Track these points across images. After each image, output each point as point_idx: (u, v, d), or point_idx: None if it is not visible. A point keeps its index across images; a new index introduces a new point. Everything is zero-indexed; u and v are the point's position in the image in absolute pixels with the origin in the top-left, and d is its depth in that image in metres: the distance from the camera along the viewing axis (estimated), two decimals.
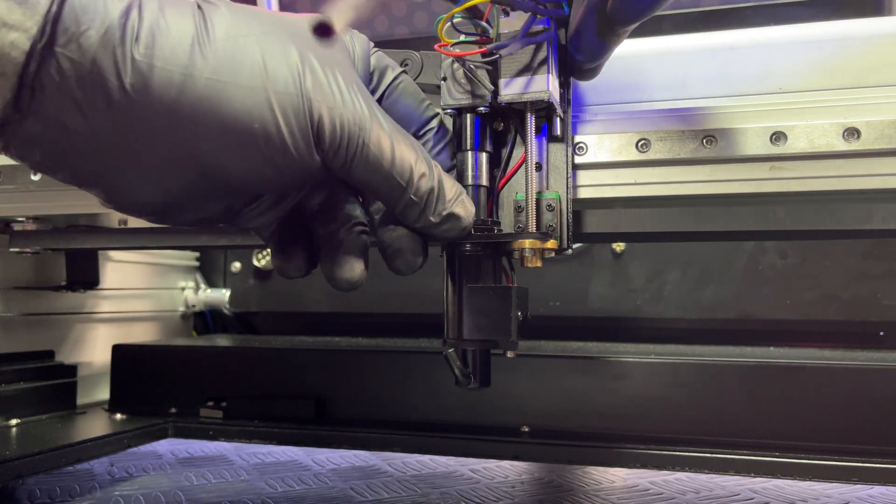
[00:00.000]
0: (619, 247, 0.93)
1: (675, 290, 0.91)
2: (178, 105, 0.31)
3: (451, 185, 0.38)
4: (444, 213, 0.37)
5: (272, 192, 0.37)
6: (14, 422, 0.73)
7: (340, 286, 0.39)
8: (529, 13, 0.37)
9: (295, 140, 0.33)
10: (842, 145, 0.39)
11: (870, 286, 0.84)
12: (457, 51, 0.38)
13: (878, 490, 0.73)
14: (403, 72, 0.40)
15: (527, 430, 0.68)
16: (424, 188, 0.36)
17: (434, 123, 0.40)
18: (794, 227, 0.47)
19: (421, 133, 0.40)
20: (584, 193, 0.44)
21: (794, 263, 0.87)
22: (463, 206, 0.38)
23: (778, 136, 0.40)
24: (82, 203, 0.58)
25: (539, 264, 0.39)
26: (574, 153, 0.43)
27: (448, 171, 0.40)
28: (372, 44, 0.40)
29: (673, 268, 0.91)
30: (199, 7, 0.32)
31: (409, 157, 0.35)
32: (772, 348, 0.80)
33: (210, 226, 0.39)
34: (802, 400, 0.63)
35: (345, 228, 0.39)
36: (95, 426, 0.74)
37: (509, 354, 0.39)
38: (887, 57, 0.40)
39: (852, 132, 0.39)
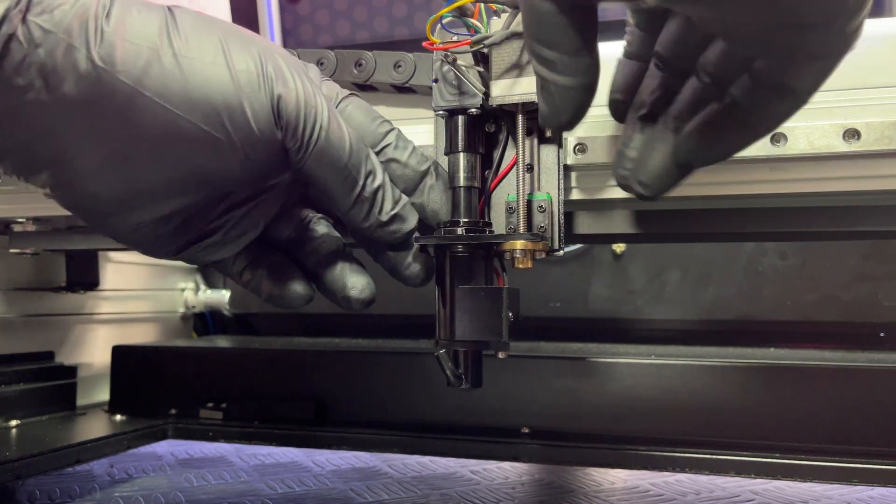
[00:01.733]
0: (619, 248, 0.93)
1: (676, 291, 0.90)
2: (144, 78, 0.32)
3: (395, 191, 0.39)
4: (392, 212, 0.38)
5: (232, 185, 0.36)
6: (14, 423, 0.73)
7: (354, 306, 0.41)
8: (513, 9, 0.37)
9: (255, 114, 0.33)
10: (842, 146, 0.39)
11: (870, 287, 0.84)
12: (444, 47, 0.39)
13: (878, 491, 0.73)
14: (353, 94, 0.41)
15: (527, 431, 0.68)
16: (374, 185, 0.37)
17: (391, 138, 0.40)
18: (794, 228, 0.47)
19: (378, 149, 0.40)
20: (576, 195, 0.44)
21: (794, 265, 0.87)
22: (408, 210, 0.39)
23: (778, 138, 0.40)
24: None
25: (529, 265, 0.39)
26: (561, 154, 0.42)
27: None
28: (321, 74, 0.40)
29: (673, 269, 0.91)
30: (168, 8, 0.34)
31: (362, 153, 0.37)
32: (772, 349, 0.80)
33: (162, 247, 0.38)
34: (803, 401, 0.63)
35: (326, 244, 0.41)
36: (95, 427, 0.74)
37: (500, 355, 0.39)
38: (887, 58, 0.40)
39: (852, 133, 0.39)
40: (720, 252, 0.89)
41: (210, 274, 1.10)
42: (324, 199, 0.39)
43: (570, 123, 0.32)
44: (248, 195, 0.39)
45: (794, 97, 0.30)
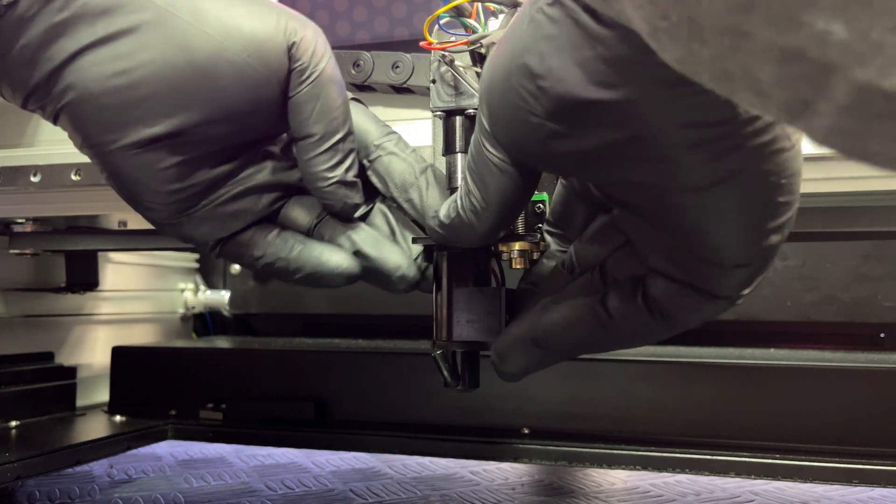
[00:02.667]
0: None
1: None
2: None
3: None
4: (355, 178, 0.40)
5: (246, 107, 0.37)
6: (13, 423, 0.73)
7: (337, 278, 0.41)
8: (511, 8, 0.37)
9: (274, 43, 0.36)
10: None
11: (870, 288, 0.84)
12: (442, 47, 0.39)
13: (878, 492, 0.73)
14: (356, 98, 0.42)
15: (527, 431, 0.68)
16: (350, 145, 0.39)
17: (394, 137, 0.41)
18: (794, 228, 0.46)
19: (381, 143, 0.41)
20: None
21: (794, 265, 0.87)
22: (360, 188, 0.40)
23: None
24: (82, 205, 0.58)
25: (528, 266, 0.39)
26: None
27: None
28: None
29: None
30: None
31: (349, 119, 0.39)
32: (772, 350, 0.80)
33: (164, 190, 0.38)
34: (803, 401, 0.63)
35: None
36: (95, 428, 0.74)
37: None
38: None
39: None
40: None
41: (210, 274, 1.10)
42: (297, 142, 0.39)
43: (459, 246, 0.36)
44: (245, 152, 0.40)
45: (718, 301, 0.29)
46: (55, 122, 0.38)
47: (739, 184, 0.24)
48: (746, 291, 0.29)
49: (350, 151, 0.39)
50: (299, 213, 0.42)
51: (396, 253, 0.41)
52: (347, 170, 0.39)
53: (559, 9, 0.23)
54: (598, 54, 0.22)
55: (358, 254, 0.41)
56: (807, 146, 0.40)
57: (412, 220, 0.41)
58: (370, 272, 0.41)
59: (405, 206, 0.40)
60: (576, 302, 0.33)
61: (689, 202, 0.25)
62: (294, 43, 0.37)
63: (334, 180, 0.39)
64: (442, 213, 0.34)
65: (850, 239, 0.59)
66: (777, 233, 0.27)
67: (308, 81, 0.37)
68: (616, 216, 0.32)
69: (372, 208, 0.43)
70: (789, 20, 0.15)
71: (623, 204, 0.30)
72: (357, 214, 0.41)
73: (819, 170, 0.41)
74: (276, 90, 0.37)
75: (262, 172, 0.41)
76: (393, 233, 0.42)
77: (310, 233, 0.42)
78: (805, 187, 0.42)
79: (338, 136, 0.38)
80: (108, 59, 0.35)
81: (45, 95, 0.36)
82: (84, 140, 0.37)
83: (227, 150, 0.39)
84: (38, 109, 0.38)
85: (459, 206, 0.32)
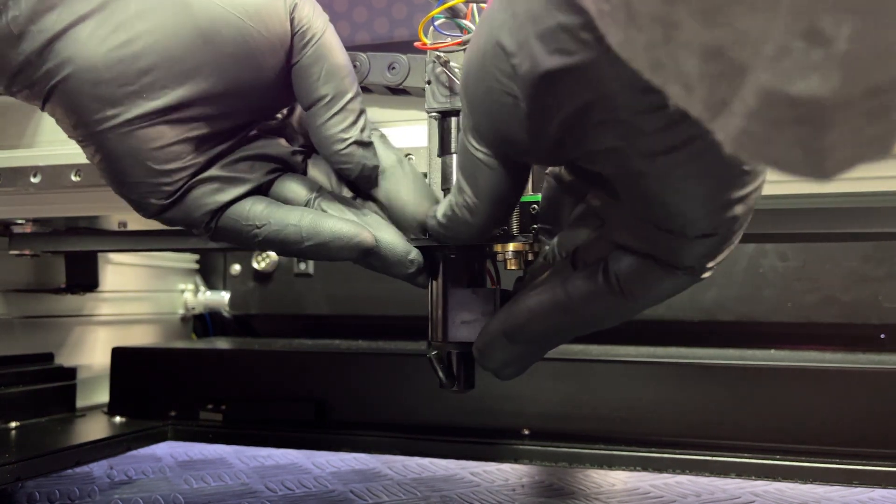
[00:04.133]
0: None
1: None
2: None
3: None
4: (367, 137, 0.39)
5: (249, 75, 0.37)
6: (13, 424, 0.73)
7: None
8: None
9: (275, 7, 0.36)
10: None
11: (870, 289, 0.84)
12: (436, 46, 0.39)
13: (878, 493, 0.72)
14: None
15: (527, 432, 0.68)
16: (360, 106, 0.38)
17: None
18: (794, 229, 0.46)
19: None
20: None
21: (794, 266, 0.87)
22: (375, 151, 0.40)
23: None
24: (82, 205, 0.58)
25: (522, 267, 0.39)
26: None
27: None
28: None
29: None
30: None
31: (356, 78, 0.39)
32: (773, 351, 0.80)
33: (162, 168, 0.36)
34: (803, 402, 0.63)
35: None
36: (95, 429, 0.74)
37: None
38: None
39: None
40: None
41: (210, 275, 1.10)
42: (309, 108, 0.38)
43: (457, 244, 0.35)
44: (243, 130, 0.39)
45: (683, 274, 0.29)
46: (44, 103, 0.36)
47: (695, 151, 0.24)
48: (711, 264, 0.29)
49: (361, 112, 0.38)
50: (296, 187, 0.40)
51: (403, 238, 0.39)
52: (362, 130, 0.38)
53: None
54: (558, 23, 0.23)
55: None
56: None
57: (388, 216, 0.40)
58: (379, 254, 0.38)
59: (380, 198, 0.40)
60: (541, 290, 0.33)
61: (649, 169, 0.26)
62: (294, 6, 0.37)
63: (351, 141, 0.38)
64: (440, 213, 0.34)
65: (850, 239, 0.59)
66: (741, 203, 0.26)
67: (312, 43, 0.37)
68: (590, 199, 0.32)
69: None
70: (713, 15, 0.15)
71: (594, 179, 0.30)
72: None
73: None
74: (279, 57, 0.37)
75: (256, 143, 0.40)
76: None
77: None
78: (805, 187, 0.42)
79: (349, 96, 0.38)
80: (106, 30, 0.34)
81: (35, 72, 0.34)
82: (80, 119, 0.35)
83: (227, 124, 0.38)
84: (23, 90, 0.35)
85: (454, 203, 0.32)
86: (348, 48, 0.40)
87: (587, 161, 0.28)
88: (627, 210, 0.29)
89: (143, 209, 0.38)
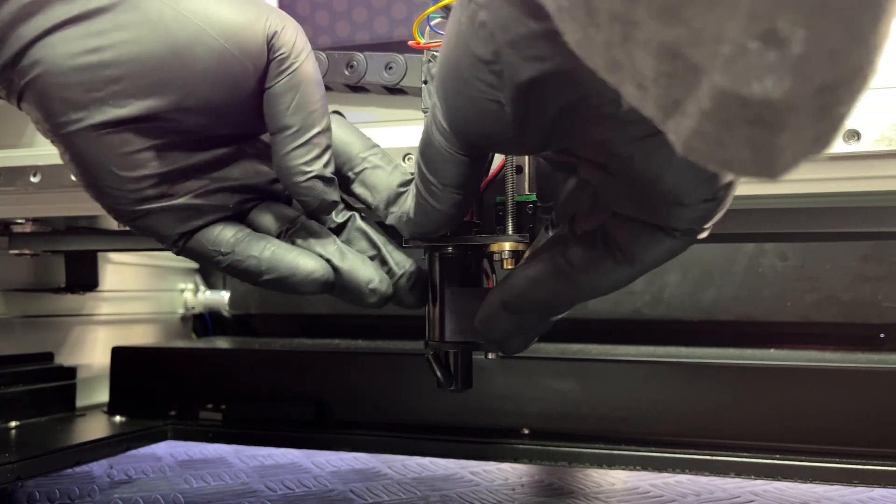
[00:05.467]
0: None
1: (676, 292, 0.90)
2: None
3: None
4: (329, 172, 0.38)
5: (219, 96, 0.37)
6: (13, 424, 0.73)
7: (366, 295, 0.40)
8: None
9: (253, 31, 0.36)
10: (842, 147, 0.39)
11: (870, 288, 0.84)
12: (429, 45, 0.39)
13: (878, 492, 0.72)
14: (337, 112, 0.42)
15: (527, 432, 0.68)
16: (328, 141, 0.38)
17: (378, 151, 0.41)
18: (794, 228, 0.46)
19: (366, 156, 0.41)
20: None
21: (794, 266, 0.87)
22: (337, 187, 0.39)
23: None
24: (81, 205, 0.58)
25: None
26: None
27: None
28: None
29: (673, 270, 0.91)
30: None
31: (327, 115, 0.38)
32: (772, 350, 0.80)
33: (132, 178, 0.37)
34: (803, 402, 0.63)
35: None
36: (95, 428, 0.74)
37: (490, 356, 0.40)
38: (888, 59, 0.40)
39: (852, 134, 0.39)
40: (720, 253, 0.89)
41: (210, 275, 1.10)
42: (274, 136, 0.38)
43: (433, 236, 0.35)
44: (217, 147, 0.39)
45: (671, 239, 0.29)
46: (19, 103, 0.37)
47: None
48: (709, 224, 0.29)
49: (327, 148, 0.38)
50: (269, 218, 0.41)
51: (368, 266, 0.40)
52: (325, 165, 0.38)
53: None
54: (530, 30, 0.23)
55: (329, 265, 0.40)
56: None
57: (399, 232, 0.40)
58: (341, 285, 0.40)
59: (390, 218, 0.39)
60: (540, 259, 0.33)
61: (638, 152, 0.26)
62: (275, 33, 0.36)
63: (312, 174, 0.38)
64: (411, 211, 0.34)
65: (850, 239, 0.59)
66: None
67: (287, 72, 0.37)
68: (581, 174, 0.32)
69: (347, 223, 0.41)
70: (673, 13, 0.15)
71: (585, 162, 0.30)
72: (335, 219, 0.41)
73: (819, 170, 0.41)
74: (252, 82, 0.37)
75: (235, 170, 0.40)
76: (377, 249, 0.41)
77: (279, 239, 0.41)
78: (805, 187, 0.42)
79: (316, 130, 0.38)
80: (80, 37, 0.34)
81: (11, 73, 0.35)
82: (47, 118, 0.36)
83: (198, 142, 0.38)
84: (2, 90, 0.36)
85: (419, 194, 0.33)
86: (348, 48, 0.40)
87: (576, 149, 0.28)
88: (622, 186, 0.29)
89: (115, 214, 0.39)
